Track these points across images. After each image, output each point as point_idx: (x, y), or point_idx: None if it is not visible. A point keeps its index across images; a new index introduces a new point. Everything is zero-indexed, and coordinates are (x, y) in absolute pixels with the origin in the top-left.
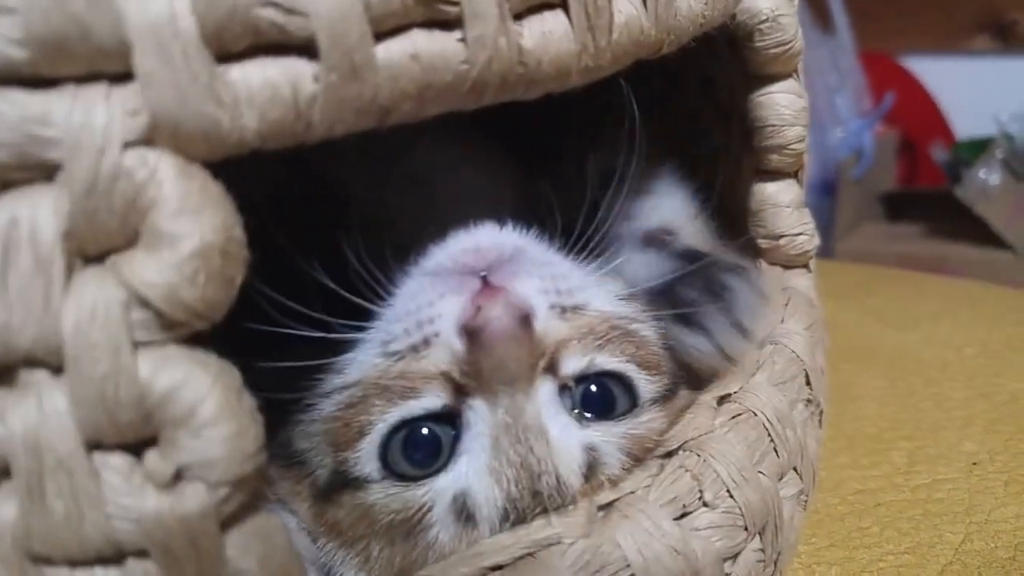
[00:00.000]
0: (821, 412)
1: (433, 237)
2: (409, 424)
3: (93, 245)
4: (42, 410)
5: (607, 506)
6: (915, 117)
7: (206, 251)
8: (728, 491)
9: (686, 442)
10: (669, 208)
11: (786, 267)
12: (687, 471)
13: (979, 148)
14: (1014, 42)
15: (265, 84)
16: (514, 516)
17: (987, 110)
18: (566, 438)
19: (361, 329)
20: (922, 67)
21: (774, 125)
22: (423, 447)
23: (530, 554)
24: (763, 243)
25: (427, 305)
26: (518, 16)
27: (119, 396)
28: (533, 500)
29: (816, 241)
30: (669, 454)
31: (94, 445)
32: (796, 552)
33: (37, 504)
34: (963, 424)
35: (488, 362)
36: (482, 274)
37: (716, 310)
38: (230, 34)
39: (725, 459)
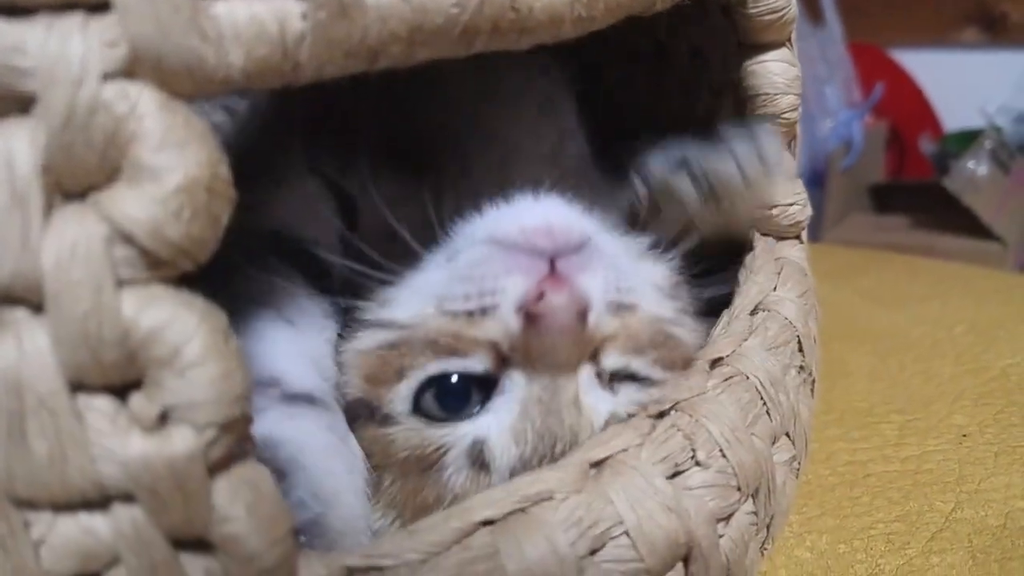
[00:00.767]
0: (813, 381)
1: (499, 188)
2: (448, 375)
3: (72, 181)
4: (22, 348)
5: (599, 463)
6: (904, 109)
7: (191, 186)
8: (721, 451)
9: (678, 403)
10: None
11: (779, 238)
12: (679, 430)
13: (967, 140)
14: (1003, 35)
15: (252, 20)
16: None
17: (975, 102)
18: (597, 405)
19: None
20: (911, 59)
21: (767, 94)
22: (454, 395)
23: (521, 509)
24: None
25: (492, 277)
26: None
27: (102, 335)
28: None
29: (808, 211)
30: (661, 415)
31: (77, 386)
32: (788, 521)
33: (18, 445)
34: (953, 398)
35: (539, 346)
36: (549, 257)
37: (743, 137)
38: None
39: (718, 419)
